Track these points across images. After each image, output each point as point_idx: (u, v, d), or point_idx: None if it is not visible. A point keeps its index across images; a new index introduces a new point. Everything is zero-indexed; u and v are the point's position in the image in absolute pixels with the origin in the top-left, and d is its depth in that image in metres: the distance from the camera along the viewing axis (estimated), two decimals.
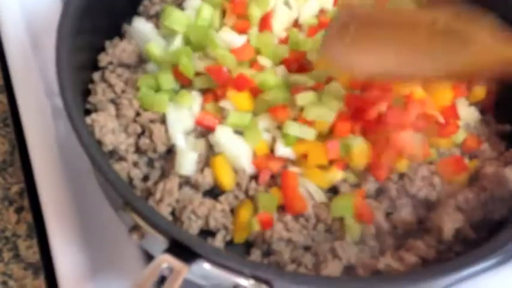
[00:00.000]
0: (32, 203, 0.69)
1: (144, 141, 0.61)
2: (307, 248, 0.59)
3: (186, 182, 0.60)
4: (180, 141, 0.61)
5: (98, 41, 0.70)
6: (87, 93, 0.66)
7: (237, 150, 0.60)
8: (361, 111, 0.59)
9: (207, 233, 0.59)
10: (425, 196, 0.62)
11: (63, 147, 0.72)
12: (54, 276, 0.62)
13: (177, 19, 0.68)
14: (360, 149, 0.59)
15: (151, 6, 0.74)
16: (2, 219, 0.67)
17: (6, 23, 0.84)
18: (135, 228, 0.50)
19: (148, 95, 0.63)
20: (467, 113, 0.68)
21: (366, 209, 0.59)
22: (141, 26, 0.70)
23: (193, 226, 0.57)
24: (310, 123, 0.61)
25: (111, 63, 0.68)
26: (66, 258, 0.63)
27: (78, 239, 0.64)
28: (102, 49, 0.69)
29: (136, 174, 0.61)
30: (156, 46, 0.67)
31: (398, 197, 0.62)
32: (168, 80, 0.64)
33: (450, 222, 0.58)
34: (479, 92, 0.69)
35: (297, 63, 0.69)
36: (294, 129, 0.60)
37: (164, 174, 0.61)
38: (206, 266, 0.47)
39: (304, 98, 0.61)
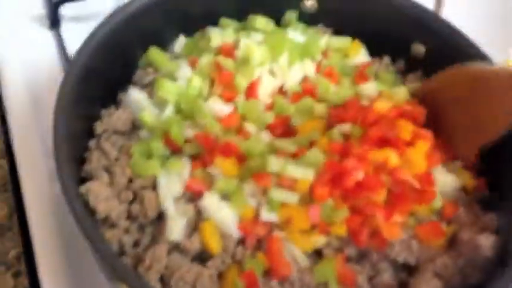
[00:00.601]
0: (28, 268, 0.72)
1: (135, 208, 0.64)
2: None
3: (175, 247, 0.62)
4: (170, 207, 0.64)
5: (95, 110, 0.74)
6: (83, 161, 0.70)
7: (224, 216, 0.63)
8: (339, 177, 0.63)
9: None
10: (404, 260, 0.64)
11: (60, 212, 0.75)
12: None
13: (168, 89, 0.73)
14: (340, 216, 0.62)
15: (144, 76, 0.79)
16: None
17: (8, 87, 0.89)
18: None
19: (140, 161, 0.67)
20: (445, 181, 0.71)
21: (349, 273, 0.61)
22: (135, 95, 0.75)
23: None
24: (291, 186, 0.63)
25: (106, 130, 0.72)
26: None
27: None
28: (99, 117, 0.74)
29: (128, 240, 0.64)
30: (148, 114, 0.72)
31: (379, 260, 0.64)
32: (159, 147, 0.68)
33: None
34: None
35: (282, 128, 0.73)
36: (277, 194, 0.63)
37: (154, 240, 0.64)
38: None
39: (277, 164, 0.64)
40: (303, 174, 0.64)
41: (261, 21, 0.83)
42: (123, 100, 0.76)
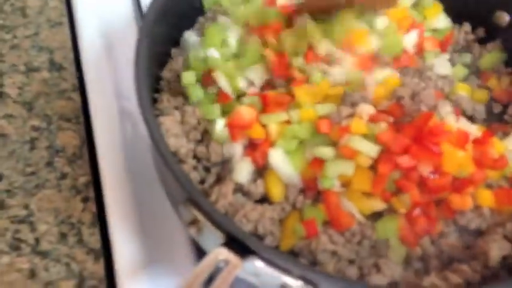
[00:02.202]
0: (96, 195, 0.75)
1: (201, 150, 0.66)
2: (351, 261, 0.61)
3: (239, 189, 0.64)
4: (238, 151, 0.65)
5: (168, 49, 0.76)
6: (154, 101, 0.71)
7: (287, 169, 0.63)
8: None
9: (255, 237, 0.62)
10: (476, 227, 0.63)
11: (127, 146, 0.78)
12: (112, 263, 0.67)
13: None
14: (405, 199, 0.61)
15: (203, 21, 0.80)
16: (69, 207, 0.73)
17: (82, 27, 0.91)
18: (193, 222, 0.54)
19: (205, 105, 0.68)
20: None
21: (412, 232, 0.60)
22: (189, 37, 0.76)
23: (244, 229, 0.61)
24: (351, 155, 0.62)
25: (175, 71, 0.73)
26: (124, 247, 0.68)
27: (136, 231, 0.69)
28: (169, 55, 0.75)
29: (195, 176, 0.66)
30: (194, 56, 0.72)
31: (445, 225, 0.63)
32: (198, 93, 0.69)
33: (497, 250, 0.59)
34: None
35: None
36: (334, 169, 0.61)
37: (219, 180, 0.65)
38: (258, 263, 0.50)
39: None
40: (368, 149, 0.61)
41: None
42: (181, 42, 0.77)
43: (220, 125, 0.66)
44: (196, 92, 0.68)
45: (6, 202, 0.73)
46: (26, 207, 0.72)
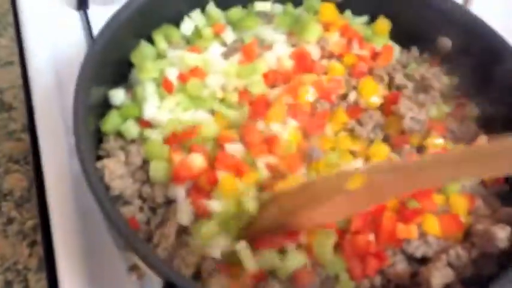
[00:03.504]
0: (44, 238, 0.73)
1: (146, 190, 0.65)
2: None
3: (183, 230, 0.63)
4: (181, 194, 0.64)
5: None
6: (100, 140, 0.71)
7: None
8: None
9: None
10: (422, 254, 0.64)
11: (77, 186, 0.76)
12: None
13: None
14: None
15: None
16: (15, 253, 0.71)
17: (34, 65, 0.91)
18: (134, 268, 0.54)
19: (152, 145, 0.67)
20: None
21: (362, 269, 0.61)
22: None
23: (184, 273, 0.59)
24: None
25: None
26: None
27: (84, 276, 0.68)
28: None
29: (141, 218, 0.65)
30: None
31: (393, 254, 0.64)
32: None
33: (439, 278, 0.59)
34: None
35: None
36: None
37: (164, 221, 0.64)
38: None
39: None
40: None
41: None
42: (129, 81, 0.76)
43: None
44: (132, 130, 0.68)
45: None
46: None
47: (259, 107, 0.70)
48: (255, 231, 0.60)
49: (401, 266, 0.63)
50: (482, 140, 0.75)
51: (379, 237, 0.63)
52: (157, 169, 0.65)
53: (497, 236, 0.61)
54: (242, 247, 0.59)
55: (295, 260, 0.60)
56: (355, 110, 0.75)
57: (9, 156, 0.80)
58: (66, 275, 0.67)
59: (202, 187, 0.63)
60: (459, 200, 0.68)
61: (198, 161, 0.64)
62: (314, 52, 0.81)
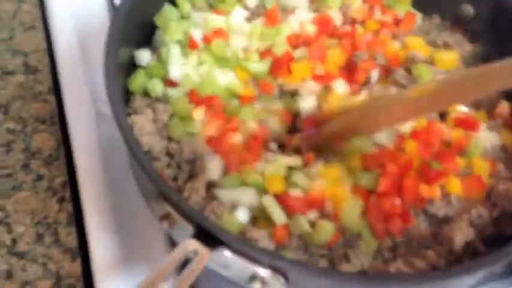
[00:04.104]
0: (72, 194, 0.76)
1: (173, 147, 0.67)
2: (322, 255, 0.62)
3: (213, 184, 0.64)
4: (208, 149, 0.65)
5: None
6: (127, 100, 0.72)
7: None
8: None
9: None
10: (444, 214, 0.65)
11: (103, 147, 0.79)
12: (89, 261, 0.67)
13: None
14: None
15: None
16: (45, 208, 0.73)
17: (57, 30, 0.92)
18: (165, 217, 0.55)
19: (176, 102, 0.69)
20: (486, 138, 0.71)
21: (385, 228, 0.62)
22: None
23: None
24: None
25: None
26: (101, 245, 0.69)
27: (112, 229, 0.70)
28: None
29: (169, 174, 0.66)
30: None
31: (417, 214, 0.65)
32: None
33: (461, 236, 0.61)
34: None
35: None
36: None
37: (192, 176, 0.66)
38: (227, 253, 0.51)
39: None
40: None
41: None
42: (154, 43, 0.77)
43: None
44: (157, 88, 0.70)
45: None
46: (3, 209, 0.72)
47: (283, 62, 0.71)
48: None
49: (423, 226, 0.64)
50: (503, 106, 0.76)
51: (403, 198, 0.64)
52: (175, 126, 0.67)
53: None
54: (270, 201, 0.61)
55: (326, 232, 0.60)
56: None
57: (36, 116, 0.82)
58: (94, 229, 0.70)
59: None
60: (481, 162, 0.69)
61: (236, 138, 0.66)
62: (336, 17, 0.82)
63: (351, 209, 0.62)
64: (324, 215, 0.62)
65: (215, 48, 0.73)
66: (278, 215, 0.60)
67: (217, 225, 0.54)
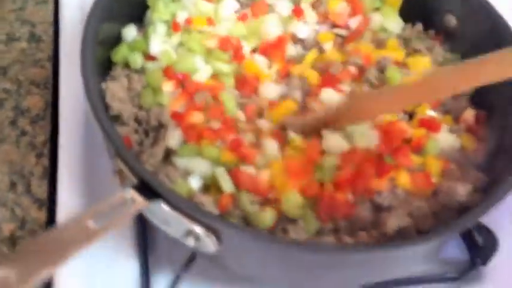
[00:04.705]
0: (51, 152, 0.81)
1: (142, 114, 0.71)
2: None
3: (171, 152, 0.68)
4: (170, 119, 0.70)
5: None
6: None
7: None
8: None
9: None
10: (389, 204, 0.67)
11: (87, 114, 0.84)
12: (55, 212, 0.72)
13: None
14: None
15: None
16: (23, 160, 0.79)
17: (64, 5, 0.98)
18: (119, 172, 0.60)
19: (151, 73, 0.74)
20: (446, 140, 0.74)
21: (330, 213, 0.64)
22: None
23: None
24: None
25: None
26: (68, 198, 0.74)
27: (81, 186, 0.76)
28: None
29: (136, 138, 0.71)
30: None
31: (363, 202, 0.67)
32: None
33: (395, 221, 0.63)
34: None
35: None
36: None
37: (155, 143, 0.70)
38: (164, 206, 0.55)
39: None
40: None
41: None
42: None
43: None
44: (138, 60, 0.74)
45: None
46: None
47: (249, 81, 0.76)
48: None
49: (366, 213, 0.67)
50: (469, 113, 0.78)
51: (355, 191, 0.67)
52: (147, 96, 0.72)
53: (458, 191, 0.64)
54: (221, 172, 0.64)
55: (268, 219, 0.63)
56: None
57: (32, 80, 0.88)
58: (65, 183, 0.75)
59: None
60: (435, 161, 0.71)
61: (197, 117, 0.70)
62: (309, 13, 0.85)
63: (293, 201, 0.64)
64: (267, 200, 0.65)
65: (192, 39, 0.77)
66: (227, 184, 0.64)
67: (157, 180, 0.58)
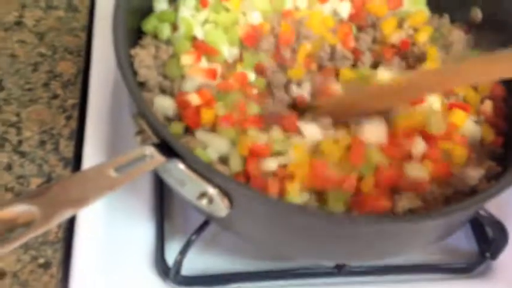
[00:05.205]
0: (79, 115, 0.85)
1: (167, 84, 0.74)
2: None
3: None
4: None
5: None
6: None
7: None
8: None
9: None
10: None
11: (118, 82, 0.88)
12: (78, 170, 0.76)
13: None
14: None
15: None
16: (53, 121, 0.84)
17: None
18: (140, 132, 0.63)
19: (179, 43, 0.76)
20: (471, 130, 0.74)
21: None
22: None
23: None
24: None
25: None
26: (93, 159, 0.77)
27: (106, 148, 0.79)
28: None
29: None
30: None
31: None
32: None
33: (406, 202, 0.64)
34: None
35: None
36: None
37: None
38: (181, 166, 0.58)
39: None
40: None
41: None
42: None
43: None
44: (165, 31, 0.77)
45: (2, 108, 0.85)
46: (18, 115, 0.84)
47: None
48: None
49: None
50: (487, 104, 0.79)
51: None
52: (172, 65, 0.74)
53: (470, 174, 0.65)
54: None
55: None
56: None
57: (66, 47, 0.93)
58: (91, 144, 0.79)
59: None
60: (463, 150, 0.70)
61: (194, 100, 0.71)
62: None
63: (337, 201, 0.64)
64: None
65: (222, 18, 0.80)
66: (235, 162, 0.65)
67: (177, 140, 0.61)
